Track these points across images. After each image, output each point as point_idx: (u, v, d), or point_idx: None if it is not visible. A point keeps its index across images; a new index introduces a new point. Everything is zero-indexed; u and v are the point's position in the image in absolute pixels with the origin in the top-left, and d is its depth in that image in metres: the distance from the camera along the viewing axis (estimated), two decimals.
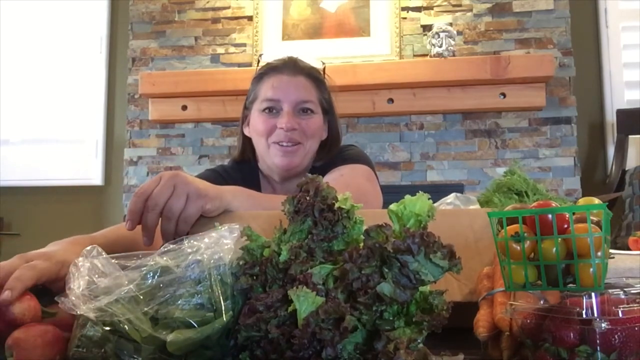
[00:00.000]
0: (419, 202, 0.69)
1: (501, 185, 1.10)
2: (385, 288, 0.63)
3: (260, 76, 1.49)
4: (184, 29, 3.30)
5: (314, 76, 1.49)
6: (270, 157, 1.44)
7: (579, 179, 2.96)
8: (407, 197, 0.70)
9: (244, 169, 1.55)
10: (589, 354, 0.60)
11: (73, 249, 0.88)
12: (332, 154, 1.51)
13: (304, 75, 1.46)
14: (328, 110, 1.52)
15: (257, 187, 1.50)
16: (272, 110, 1.43)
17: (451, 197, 1.14)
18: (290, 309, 0.65)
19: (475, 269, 0.83)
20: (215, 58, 3.25)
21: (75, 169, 3.39)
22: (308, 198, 0.73)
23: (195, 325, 0.65)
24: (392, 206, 0.71)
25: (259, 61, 1.57)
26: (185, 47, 3.29)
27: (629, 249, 1.11)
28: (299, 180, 1.46)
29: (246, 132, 1.53)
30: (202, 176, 1.48)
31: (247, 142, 1.54)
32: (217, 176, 1.51)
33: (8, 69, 3.47)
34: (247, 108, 1.53)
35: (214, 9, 3.29)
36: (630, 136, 2.94)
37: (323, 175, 1.45)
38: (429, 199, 0.70)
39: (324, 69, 1.55)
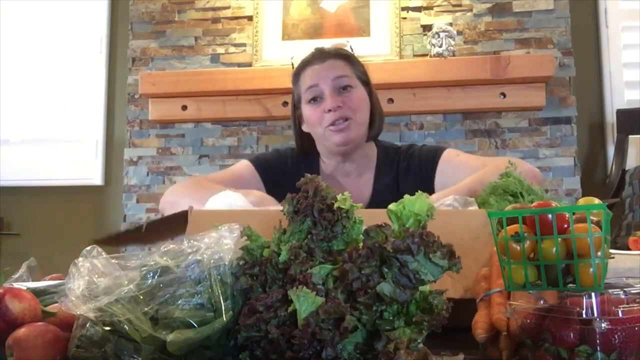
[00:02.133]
0: (418, 202, 0.69)
1: (497, 188, 1.11)
2: (385, 288, 0.63)
3: (297, 74, 1.61)
4: (184, 29, 3.30)
5: (342, 54, 1.60)
6: (328, 140, 1.56)
7: (579, 179, 2.96)
8: (406, 196, 0.71)
9: (307, 162, 1.67)
10: (589, 354, 0.60)
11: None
12: (377, 125, 1.63)
13: (331, 57, 1.58)
14: (367, 82, 1.61)
15: None
16: (316, 99, 1.54)
17: (450, 199, 1.15)
18: (290, 309, 0.65)
19: (470, 267, 0.84)
20: (215, 58, 3.25)
21: (75, 169, 3.38)
22: (307, 198, 0.73)
23: (195, 325, 0.65)
24: (391, 206, 0.71)
25: (292, 64, 1.68)
26: (185, 47, 3.29)
27: (629, 249, 1.11)
28: (360, 153, 1.60)
29: (304, 128, 1.64)
30: (266, 155, 1.72)
31: (305, 138, 1.65)
32: (280, 160, 1.67)
33: (8, 69, 3.46)
34: (297, 108, 1.63)
35: (214, 9, 3.29)
36: (630, 136, 2.94)
37: (393, 162, 1.61)
38: (427, 198, 0.70)
39: (351, 47, 1.68)
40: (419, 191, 0.72)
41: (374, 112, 1.61)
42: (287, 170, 1.63)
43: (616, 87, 3.08)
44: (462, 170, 1.46)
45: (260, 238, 0.74)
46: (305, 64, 1.59)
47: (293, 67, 1.65)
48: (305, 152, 1.67)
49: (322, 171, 1.65)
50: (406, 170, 1.60)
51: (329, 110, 1.51)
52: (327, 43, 3.19)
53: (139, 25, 3.33)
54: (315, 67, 1.56)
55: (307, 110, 1.57)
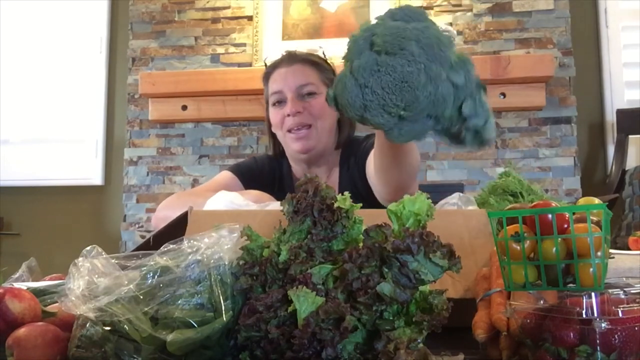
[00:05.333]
0: (417, 202, 0.69)
1: (496, 187, 1.11)
2: (385, 288, 0.63)
3: (266, 76, 1.62)
4: (184, 29, 3.30)
5: (311, 60, 1.60)
6: (288, 146, 1.57)
7: (579, 179, 2.96)
8: (406, 196, 0.70)
9: (282, 167, 1.68)
10: (589, 354, 0.60)
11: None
12: (346, 132, 1.62)
13: (299, 62, 1.58)
14: None
15: (290, 182, 1.64)
16: (280, 102, 1.56)
17: (455, 198, 1.15)
18: (290, 309, 0.65)
19: (470, 267, 0.84)
20: (215, 58, 3.25)
21: (75, 169, 3.38)
22: (307, 198, 0.73)
23: (195, 325, 0.65)
24: (391, 206, 0.71)
25: (265, 64, 1.68)
26: (185, 47, 3.29)
27: (629, 249, 1.11)
28: (325, 159, 1.59)
29: (273, 129, 1.64)
30: (245, 163, 1.72)
31: (276, 139, 1.66)
32: (257, 165, 1.68)
33: (8, 69, 3.46)
34: (267, 109, 1.64)
35: (214, 9, 3.29)
36: (630, 136, 2.94)
37: (348, 156, 1.59)
38: (427, 198, 0.70)
39: (324, 52, 1.68)
40: (419, 191, 0.71)
41: (342, 119, 1.61)
42: (264, 175, 1.65)
43: (616, 87, 3.08)
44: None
45: (260, 238, 0.74)
46: (274, 66, 1.60)
47: (266, 66, 1.66)
48: (277, 155, 1.68)
49: (294, 176, 1.65)
50: (355, 163, 1.59)
51: (289, 115, 1.52)
52: (327, 43, 3.19)
53: (139, 25, 3.33)
54: (282, 70, 1.57)
55: (271, 112, 1.59)
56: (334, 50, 3.29)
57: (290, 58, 1.59)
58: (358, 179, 1.54)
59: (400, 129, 0.73)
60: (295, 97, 1.53)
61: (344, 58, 0.75)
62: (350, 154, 1.60)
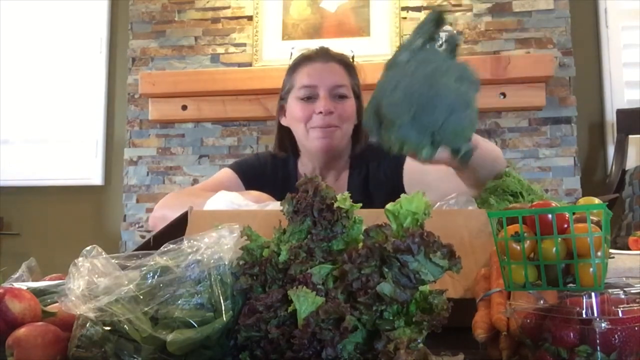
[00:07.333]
0: (415, 201, 0.69)
1: (496, 187, 1.11)
2: (385, 288, 0.63)
3: (295, 67, 1.58)
4: (184, 29, 3.30)
5: (346, 62, 1.59)
6: (309, 141, 1.53)
7: (579, 179, 2.96)
8: (403, 195, 0.70)
9: (285, 167, 1.64)
10: (589, 354, 0.60)
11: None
12: (363, 141, 1.60)
13: (336, 61, 1.56)
14: (359, 96, 1.60)
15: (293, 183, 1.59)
16: (309, 98, 1.52)
17: (454, 197, 1.15)
18: (290, 309, 0.65)
19: (470, 267, 0.84)
20: (215, 58, 3.25)
21: (75, 169, 3.38)
22: (307, 198, 0.73)
23: (195, 325, 0.65)
24: (389, 205, 0.71)
25: (291, 54, 1.65)
26: (185, 47, 3.29)
27: (629, 249, 1.11)
28: (338, 164, 1.57)
29: (283, 122, 1.60)
30: (247, 161, 1.69)
31: (284, 133, 1.62)
32: (260, 164, 1.64)
33: (8, 69, 3.46)
34: (282, 99, 1.60)
35: (214, 9, 3.29)
36: (630, 136, 2.94)
37: (363, 162, 1.58)
38: (424, 196, 0.70)
39: (353, 57, 1.66)
40: (419, 193, 0.71)
41: (359, 128, 1.59)
42: (267, 174, 1.62)
43: (616, 87, 3.08)
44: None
45: (260, 238, 0.74)
46: (307, 58, 1.56)
47: (291, 56, 1.62)
48: (285, 149, 1.64)
49: (300, 176, 1.62)
50: (377, 168, 1.57)
51: (320, 112, 1.49)
52: (327, 43, 3.18)
53: (139, 25, 3.33)
54: (317, 65, 1.54)
55: (295, 105, 1.53)
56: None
57: (326, 55, 1.56)
58: (382, 182, 1.52)
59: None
60: (328, 96, 1.50)
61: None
62: (367, 159, 1.58)
